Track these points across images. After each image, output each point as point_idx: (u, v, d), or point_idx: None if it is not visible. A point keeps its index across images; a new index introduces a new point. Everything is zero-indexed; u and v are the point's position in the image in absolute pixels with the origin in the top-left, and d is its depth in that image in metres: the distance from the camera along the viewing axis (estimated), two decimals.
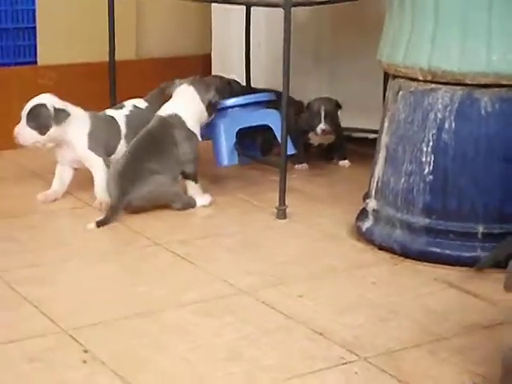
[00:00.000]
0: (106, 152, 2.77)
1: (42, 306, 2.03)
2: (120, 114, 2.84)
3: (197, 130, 2.75)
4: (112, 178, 2.63)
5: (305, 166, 3.20)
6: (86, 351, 1.82)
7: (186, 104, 2.76)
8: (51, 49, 3.41)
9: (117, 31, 3.13)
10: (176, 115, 2.73)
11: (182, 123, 2.72)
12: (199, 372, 1.76)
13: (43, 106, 2.69)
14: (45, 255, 2.37)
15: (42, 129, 2.68)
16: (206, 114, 2.77)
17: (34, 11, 3.40)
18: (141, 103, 2.90)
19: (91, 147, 2.73)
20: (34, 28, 3.41)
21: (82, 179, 2.82)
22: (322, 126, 3.10)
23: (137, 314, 2.00)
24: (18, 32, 3.43)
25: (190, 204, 2.70)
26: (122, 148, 2.78)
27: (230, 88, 3.14)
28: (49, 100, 2.71)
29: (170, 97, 2.80)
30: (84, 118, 2.75)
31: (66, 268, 2.30)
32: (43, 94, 2.75)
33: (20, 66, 3.40)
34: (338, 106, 3.16)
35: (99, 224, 2.51)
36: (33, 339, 1.87)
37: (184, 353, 1.83)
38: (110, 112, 2.86)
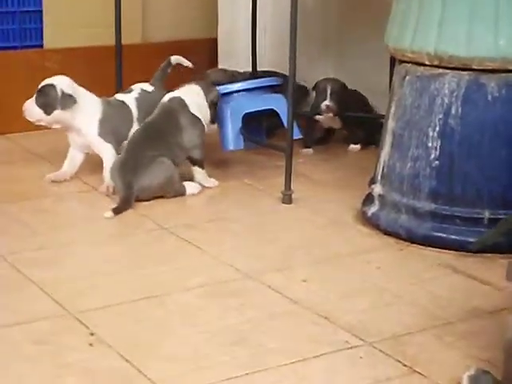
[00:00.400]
0: (118, 138, 2.77)
1: (49, 288, 2.04)
2: (130, 98, 2.84)
3: (201, 117, 2.75)
4: (115, 170, 2.62)
5: (310, 151, 3.19)
6: (92, 334, 1.83)
7: (190, 93, 2.75)
8: (57, 32, 3.40)
9: (123, 15, 3.12)
10: (179, 98, 2.74)
11: (185, 106, 2.72)
12: (205, 355, 1.76)
13: (53, 86, 2.70)
14: (51, 238, 2.38)
15: (47, 109, 2.70)
16: (208, 113, 2.76)
17: None
18: (147, 87, 2.90)
19: (101, 134, 2.74)
20: (41, 11, 3.40)
21: (92, 164, 2.83)
22: (326, 102, 3.08)
23: (143, 298, 2.01)
24: (25, 15, 3.42)
25: (180, 192, 2.68)
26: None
27: (234, 80, 3.13)
28: (60, 82, 2.72)
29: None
30: (95, 105, 2.75)
31: (72, 251, 2.31)
32: (59, 76, 2.76)
33: (26, 49, 3.40)
34: (345, 87, 3.14)
35: (115, 212, 2.50)
36: (39, 322, 1.88)
37: (190, 336, 1.84)
38: (119, 96, 2.86)
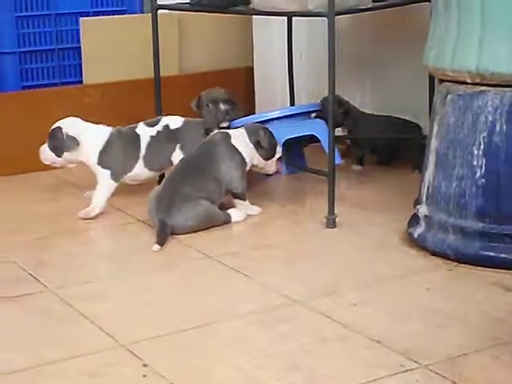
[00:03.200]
0: (118, 166, 2.81)
1: (99, 321, 2.04)
2: (146, 134, 2.84)
3: (245, 154, 2.71)
4: (151, 203, 2.62)
5: (358, 167, 3.23)
6: (145, 365, 1.83)
7: (235, 131, 2.76)
8: (96, 67, 3.45)
9: (160, 47, 3.15)
10: (224, 131, 2.76)
11: (227, 138, 2.71)
12: (258, 383, 1.75)
13: (59, 129, 2.82)
14: (99, 271, 2.40)
15: (57, 152, 2.83)
16: (255, 152, 2.74)
17: (78, 31, 3.45)
18: (174, 122, 2.87)
19: (100, 162, 2.80)
20: (79, 48, 3.45)
21: (136, 196, 2.85)
22: None
23: (193, 327, 2.01)
24: (64, 52, 3.48)
25: (224, 222, 2.67)
26: (139, 167, 2.83)
27: (198, 100, 3.12)
28: (66, 125, 2.82)
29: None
30: (100, 138, 2.81)
31: (119, 283, 2.32)
32: (68, 118, 2.86)
33: (66, 85, 3.46)
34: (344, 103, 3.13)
35: (159, 243, 2.49)
36: (92, 355, 1.89)
37: (242, 364, 1.83)
38: (140, 128, 2.86)
